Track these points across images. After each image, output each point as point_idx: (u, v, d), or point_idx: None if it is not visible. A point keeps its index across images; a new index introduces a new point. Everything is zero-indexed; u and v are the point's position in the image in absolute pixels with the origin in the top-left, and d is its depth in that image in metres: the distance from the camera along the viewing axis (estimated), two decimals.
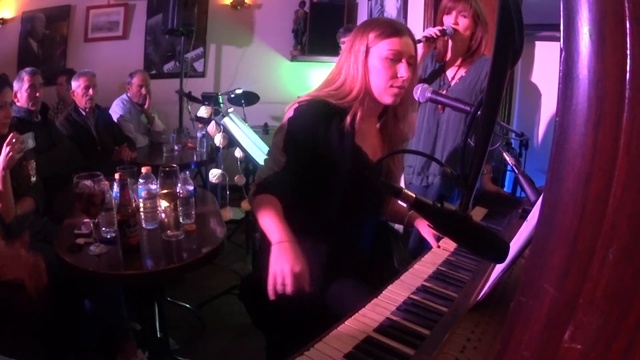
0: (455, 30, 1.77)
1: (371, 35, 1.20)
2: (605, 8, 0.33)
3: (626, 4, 0.32)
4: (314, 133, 1.22)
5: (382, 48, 1.19)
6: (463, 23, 1.76)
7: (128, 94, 3.29)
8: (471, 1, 1.74)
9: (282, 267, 0.99)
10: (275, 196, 1.18)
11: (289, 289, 0.97)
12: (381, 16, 1.22)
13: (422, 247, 1.96)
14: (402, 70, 1.19)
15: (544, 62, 2.12)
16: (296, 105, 1.26)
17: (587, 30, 0.34)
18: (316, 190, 1.26)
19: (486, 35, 1.77)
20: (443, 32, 1.77)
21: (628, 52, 0.32)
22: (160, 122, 3.48)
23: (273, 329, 1.36)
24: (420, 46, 1.81)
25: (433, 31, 1.77)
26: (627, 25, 0.32)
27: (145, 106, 3.28)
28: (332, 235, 1.28)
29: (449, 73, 1.89)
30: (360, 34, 1.22)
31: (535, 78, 2.20)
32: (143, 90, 3.25)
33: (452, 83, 1.86)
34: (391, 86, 1.21)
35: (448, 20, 1.79)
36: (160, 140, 3.39)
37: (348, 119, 1.23)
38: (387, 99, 1.23)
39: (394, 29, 1.20)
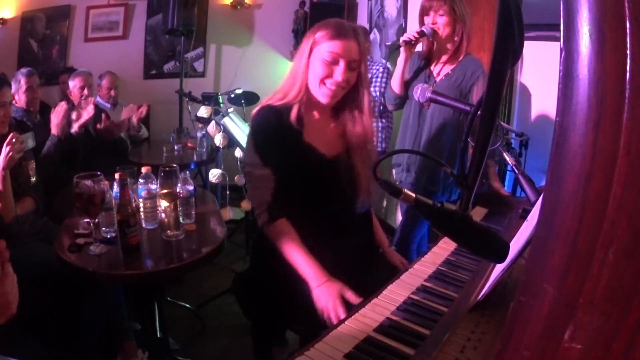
0: (434, 30, 1.78)
1: (317, 36, 1.24)
2: (605, 8, 0.33)
3: (626, 4, 0.32)
4: (272, 137, 1.29)
5: (323, 49, 1.23)
6: (441, 21, 1.77)
7: (98, 96, 3.24)
8: None
9: (331, 305, 1.12)
10: (288, 218, 1.27)
11: (336, 320, 1.07)
12: (333, 18, 1.26)
13: (409, 241, 1.96)
14: (338, 73, 1.22)
15: (533, 63, 2.13)
16: (251, 120, 1.35)
17: (587, 30, 0.34)
18: (294, 189, 1.31)
19: (467, 30, 1.78)
20: (422, 34, 1.79)
21: (628, 52, 0.32)
22: (145, 130, 3.47)
23: (262, 321, 1.46)
24: (401, 50, 1.85)
25: (411, 34, 1.80)
26: (627, 25, 0.32)
27: (142, 115, 3.20)
28: (312, 232, 1.30)
29: (435, 70, 1.90)
30: (310, 34, 1.27)
31: (524, 78, 2.21)
32: (112, 92, 3.21)
33: (438, 79, 1.86)
34: (323, 86, 1.25)
35: (427, 21, 1.81)
36: (138, 137, 3.37)
37: (291, 116, 1.27)
38: (321, 98, 1.28)
39: (339, 31, 1.22)
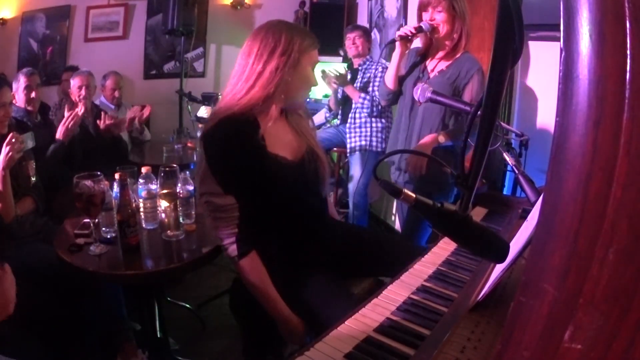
0: (432, 26, 1.75)
1: (304, 44, 1.22)
2: (605, 8, 0.33)
3: (626, 4, 0.32)
4: (236, 160, 1.18)
5: (312, 57, 1.26)
6: (439, 18, 1.74)
7: (102, 97, 3.24)
8: None
9: (294, 340, 1.24)
10: (257, 251, 1.23)
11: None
12: (295, 22, 1.32)
13: (416, 229, 1.95)
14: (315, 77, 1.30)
15: (541, 64, 2.11)
16: (201, 141, 1.24)
17: (587, 30, 0.34)
18: (266, 205, 1.25)
19: (466, 27, 1.75)
20: (419, 30, 1.75)
21: (628, 52, 0.32)
22: (148, 133, 3.45)
23: (254, 333, 1.46)
24: (397, 45, 1.82)
25: (408, 29, 1.76)
26: (627, 25, 0.32)
27: (144, 117, 3.18)
28: (292, 235, 1.30)
29: (429, 65, 1.87)
30: (297, 40, 1.21)
31: (531, 81, 2.19)
32: (116, 93, 3.21)
33: (431, 75, 1.84)
34: (308, 90, 1.33)
35: (425, 17, 1.77)
36: (141, 139, 3.37)
37: (257, 128, 1.20)
38: (302, 101, 1.37)
39: (316, 40, 1.27)
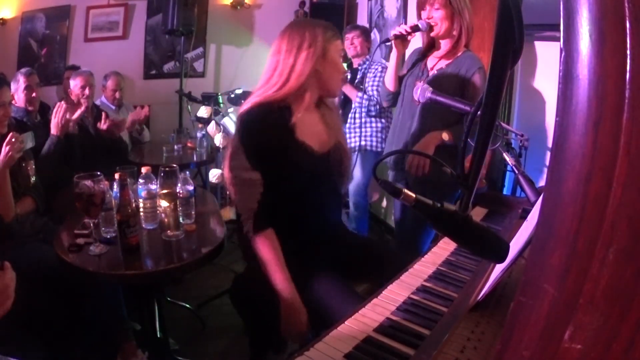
0: (429, 24, 1.70)
1: (327, 35, 1.31)
2: (605, 8, 0.33)
3: (626, 4, 0.32)
4: (268, 138, 1.28)
5: (337, 46, 1.34)
6: (437, 15, 1.69)
7: (103, 97, 3.23)
8: None
9: (294, 329, 1.23)
10: (273, 228, 1.28)
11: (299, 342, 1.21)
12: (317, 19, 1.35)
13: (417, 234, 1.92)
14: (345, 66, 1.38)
15: (548, 64, 2.09)
16: (238, 120, 1.32)
17: (587, 30, 0.34)
18: (286, 190, 1.31)
19: (466, 25, 1.70)
20: (415, 29, 1.72)
21: (628, 52, 0.32)
22: (148, 133, 3.46)
23: (257, 324, 1.48)
24: (393, 45, 1.78)
25: (403, 29, 1.73)
26: (627, 25, 0.32)
27: (143, 117, 3.17)
28: (305, 228, 1.34)
29: (429, 63, 1.82)
30: (320, 33, 1.30)
31: (537, 81, 2.17)
32: (117, 94, 3.20)
33: (430, 74, 1.79)
34: (339, 79, 1.40)
35: (424, 15, 1.73)
36: (140, 140, 3.36)
37: (288, 114, 1.30)
38: (337, 89, 1.41)
39: (338, 31, 1.36)
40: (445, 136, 1.70)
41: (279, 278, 1.25)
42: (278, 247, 1.27)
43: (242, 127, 1.30)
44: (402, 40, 1.77)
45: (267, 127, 1.28)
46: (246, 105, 1.33)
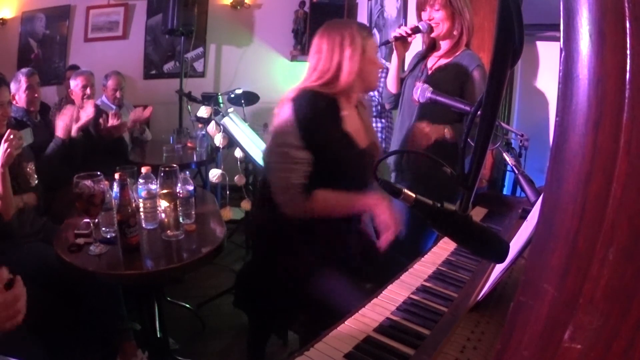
0: (430, 26, 1.70)
1: (363, 34, 1.37)
2: (605, 8, 0.33)
3: (626, 4, 0.32)
4: (320, 121, 1.34)
5: (373, 44, 1.40)
6: (438, 16, 1.69)
7: (104, 96, 3.24)
8: None
9: (394, 224, 1.29)
10: (299, 221, 1.32)
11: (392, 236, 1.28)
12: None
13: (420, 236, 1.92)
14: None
15: (550, 64, 2.08)
16: (290, 102, 1.35)
17: (587, 30, 0.34)
18: (325, 175, 1.36)
19: (467, 24, 1.69)
20: (416, 30, 1.71)
21: (628, 52, 0.32)
22: (149, 132, 3.46)
23: (259, 315, 1.54)
24: (394, 47, 1.79)
25: (403, 30, 1.73)
26: (627, 25, 0.32)
27: (145, 117, 3.18)
28: (338, 220, 1.38)
29: (429, 63, 1.82)
30: (357, 32, 1.36)
31: (540, 81, 2.17)
32: (118, 94, 3.20)
33: (430, 73, 1.79)
34: (376, 76, 1.46)
35: (424, 17, 1.72)
36: (142, 139, 3.37)
37: (342, 108, 1.38)
38: (376, 83, 1.48)
39: (370, 29, 1.44)
40: (447, 132, 1.72)
41: (356, 200, 1.33)
42: (330, 193, 1.33)
43: (296, 107, 1.33)
44: (403, 42, 1.77)
45: (320, 111, 1.33)
46: (294, 92, 1.37)
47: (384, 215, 1.29)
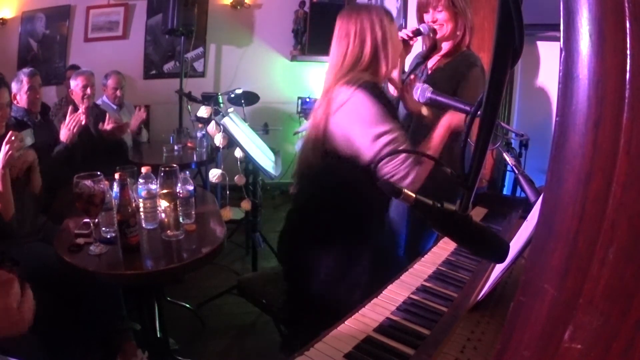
0: (432, 28, 1.69)
1: (388, 18, 1.34)
2: (605, 8, 0.33)
3: (626, 4, 0.32)
4: (388, 106, 1.33)
5: (395, 26, 1.36)
6: (441, 18, 1.68)
7: (104, 96, 3.24)
8: None
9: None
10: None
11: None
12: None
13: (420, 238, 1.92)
14: None
15: (551, 64, 2.09)
16: (360, 88, 1.29)
17: (587, 30, 0.34)
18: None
19: (469, 24, 1.69)
20: (417, 32, 1.69)
21: (628, 52, 0.32)
22: (146, 133, 3.46)
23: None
24: None
25: (404, 33, 1.70)
26: (627, 25, 0.32)
27: (142, 117, 3.21)
28: (383, 225, 1.44)
29: (430, 63, 1.82)
30: (377, 17, 1.33)
31: (541, 82, 2.17)
32: (118, 93, 3.21)
33: (430, 73, 1.79)
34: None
35: (427, 19, 1.72)
36: (138, 140, 3.37)
37: (389, 94, 1.41)
38: (396, 73, 1.51)
39: (391, 12, 1.38)
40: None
41: (445, 125, 1.36)
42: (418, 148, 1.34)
43: (370, 96, 1.28)
44: (405, 44, 1.76)
45: (383, 97, 1.32)
46: (350, 84, 1.31)
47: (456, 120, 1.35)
